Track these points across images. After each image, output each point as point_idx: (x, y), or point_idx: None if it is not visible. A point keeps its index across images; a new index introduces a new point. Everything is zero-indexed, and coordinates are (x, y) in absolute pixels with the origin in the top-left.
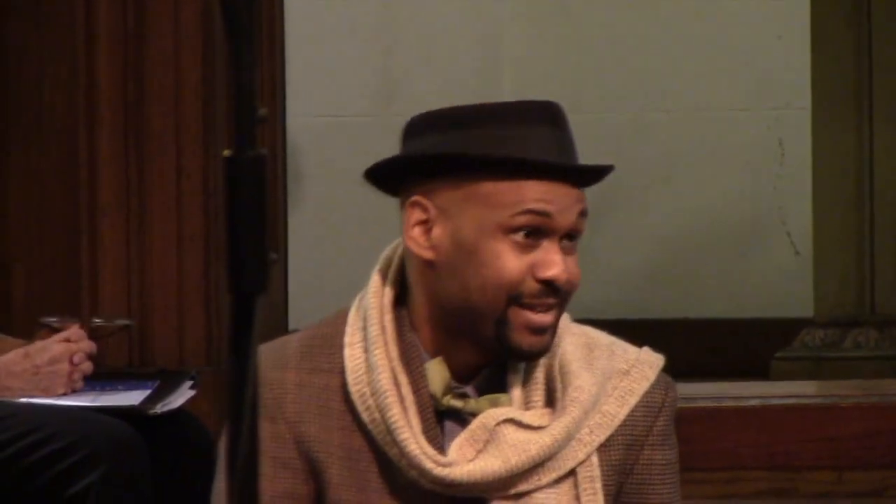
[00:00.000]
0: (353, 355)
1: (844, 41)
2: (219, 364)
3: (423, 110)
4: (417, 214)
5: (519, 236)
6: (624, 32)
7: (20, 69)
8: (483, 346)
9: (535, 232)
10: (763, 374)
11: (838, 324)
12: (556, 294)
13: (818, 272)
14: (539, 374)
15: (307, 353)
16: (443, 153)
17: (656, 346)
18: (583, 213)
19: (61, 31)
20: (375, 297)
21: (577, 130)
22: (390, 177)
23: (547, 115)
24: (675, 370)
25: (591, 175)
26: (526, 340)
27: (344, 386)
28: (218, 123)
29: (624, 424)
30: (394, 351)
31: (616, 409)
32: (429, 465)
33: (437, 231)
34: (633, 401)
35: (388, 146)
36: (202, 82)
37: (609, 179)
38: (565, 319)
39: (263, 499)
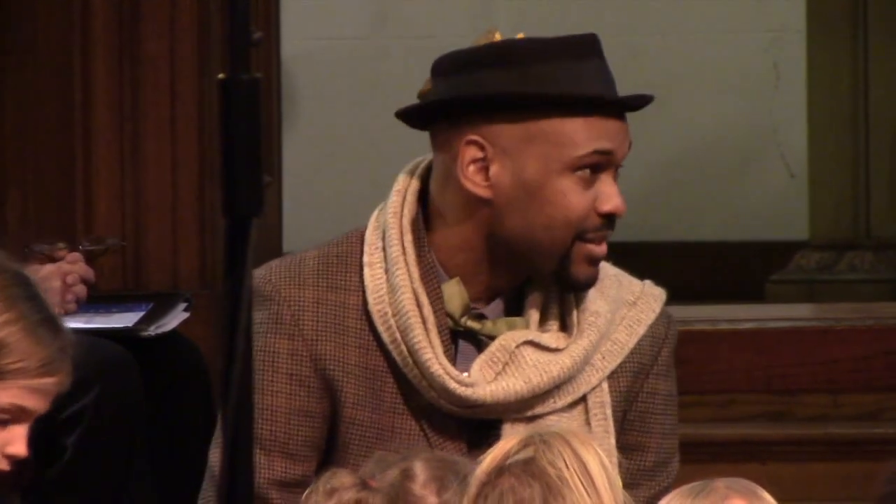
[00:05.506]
0: (373, 275)
1: None
2: (213, 287)
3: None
4: (473, 153)
5: (585, 173)
6: None
7: None
8: (536, 276)
9: (597, 167)
10: (758, 296)
11: (833, 246)
12: (612, 225)
13: (813, 195)
14: (554, 298)
15: (324, 270)
16: (509, 92)
17: (652, 269)
18: (630, 145)
19: None
20: (395, 217)
21: None
22: (430, 114)
23: (592, 48)
24: (671, 293)
25: (632, 106)
26: (584, 272)
27: (362, 305)
28: (213, 46)
29: (633, 353)
30: (415, 272)
31: (626, 338)
32: (452, 385)
33: (495, 169)
34: (641, 330)
35: (382, 69)
36: (197, 4)
37: None
38: None
39: (279, 415)
